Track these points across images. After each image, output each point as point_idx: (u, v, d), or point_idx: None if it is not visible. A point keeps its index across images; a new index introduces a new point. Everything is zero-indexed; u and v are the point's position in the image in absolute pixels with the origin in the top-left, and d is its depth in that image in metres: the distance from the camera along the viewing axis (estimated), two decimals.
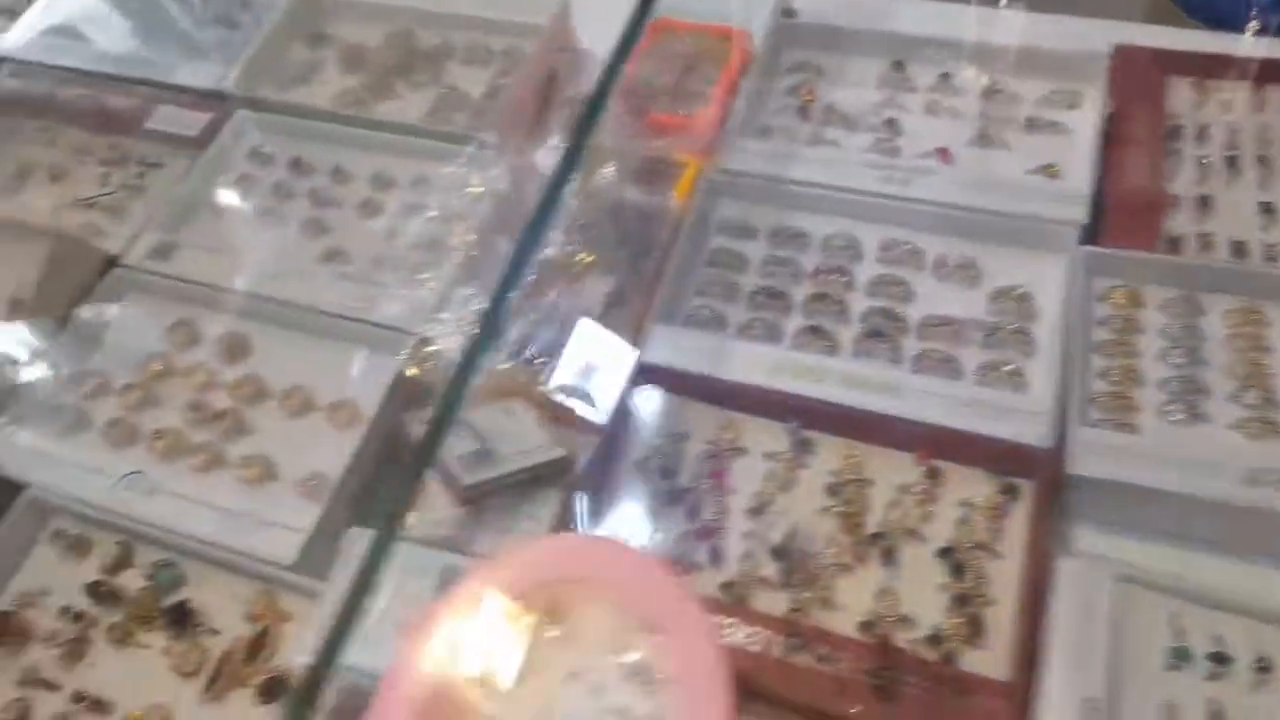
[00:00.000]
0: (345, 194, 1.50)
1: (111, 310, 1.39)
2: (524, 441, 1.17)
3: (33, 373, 1.31)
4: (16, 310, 1.34)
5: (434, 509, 1.14)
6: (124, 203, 1.54)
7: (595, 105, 1.15)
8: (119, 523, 1.19)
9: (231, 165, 1.55)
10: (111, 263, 1.41)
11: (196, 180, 1.51)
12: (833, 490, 1.14)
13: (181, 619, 1.12)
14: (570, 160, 1.11)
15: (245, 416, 1.29)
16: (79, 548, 1.20)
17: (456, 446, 1.15)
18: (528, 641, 0.81)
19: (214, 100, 1.59)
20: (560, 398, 1.23)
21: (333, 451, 1.23)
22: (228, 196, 1.52)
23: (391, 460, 1.24)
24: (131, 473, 1.21)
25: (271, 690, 1.07)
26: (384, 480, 1.23)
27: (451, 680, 0.79)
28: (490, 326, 1.01)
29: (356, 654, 0.89)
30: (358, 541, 1.08)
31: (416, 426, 1.23)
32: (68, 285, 1.36)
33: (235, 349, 1.35)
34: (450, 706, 0.77)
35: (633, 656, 0.76)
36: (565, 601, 0.80)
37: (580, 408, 1.22)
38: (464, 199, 1.43)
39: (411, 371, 1.25)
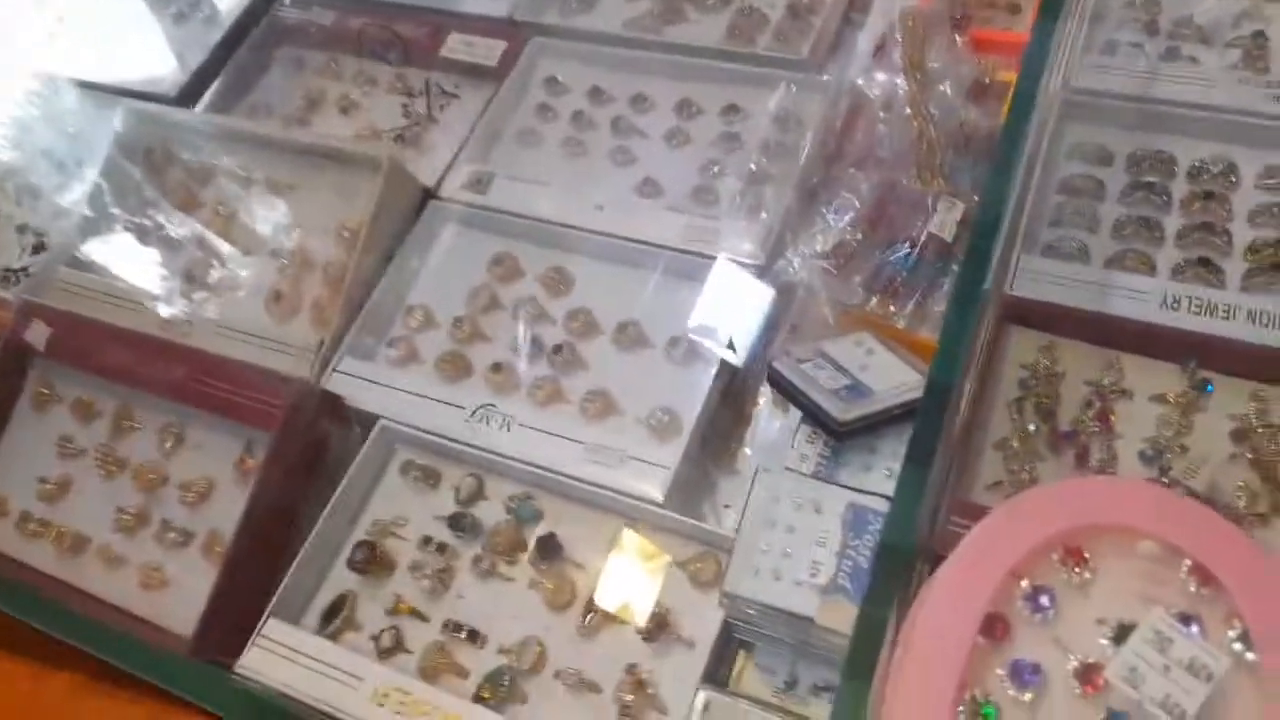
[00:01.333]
0: (649, 123, 1.46)
1: (434, 242, 1.38)
2: (891, 378, 1.12)
3: (369, 304, 1.31)
4: (350, 239, 1.35)
5: (804, 445, 1.10)
6: (421, 134, 1.53)
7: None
8: (470, 454, 1.19)
9: (529, 94, 1.52)
10: (428, 195, 1.39)
11: (498, 110, 1.48)
12: (1239, 436, 1.05)
13: (551, 552, 1.11)
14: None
15: (580, 350, 1.26)
16: (429, 479, 1.20)
17: (825, 382, 1.10)
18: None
19: (503, 27, 1.56)
20: (922, 333, 1.17)
21: (676, 387, 1.20)
22: (531, 126, 1.49)
23: (732, 397, 1.21)
24: (484, 405, 1.20)
25: (656, 628, 1.05)
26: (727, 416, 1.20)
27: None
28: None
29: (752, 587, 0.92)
30: (748, 479, 1.04)
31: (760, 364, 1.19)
32: (395, 217, 1.35)
33: (559, 282, 1.32)
34: None
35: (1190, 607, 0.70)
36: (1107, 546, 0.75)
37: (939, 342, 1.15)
38: (780, 125, 1.37)
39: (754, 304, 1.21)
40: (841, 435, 1.08)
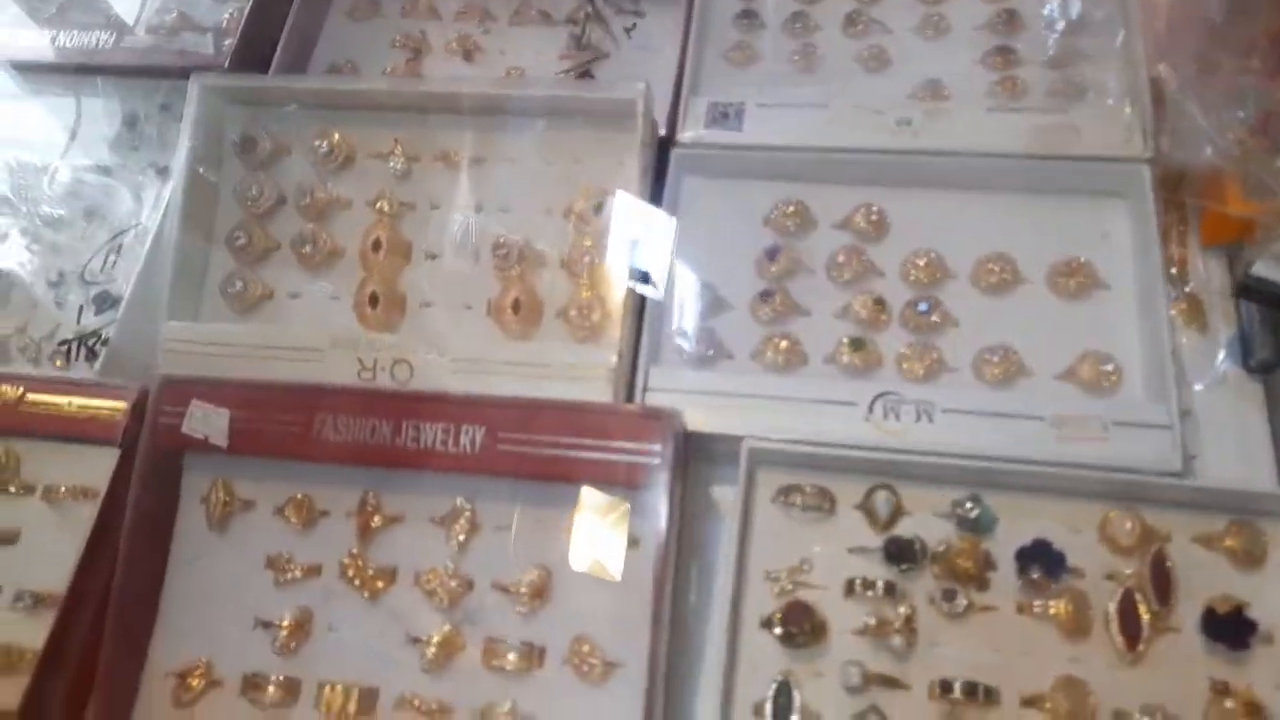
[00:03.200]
0: (886, 12, 1.18)
1: (694, 202, 1.07)
2: None
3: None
4: (584, 218, 1.02)
5: None
6: (604, 68, 1.19)
7: None
8: (861, 462, 0.91)
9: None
10: (664, 143, 1.07)
11: (700, 25, 1.16)
12: None
13: (1051, 564, 0.86)
14: None
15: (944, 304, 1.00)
16: (821, 503, 0.91)
17: None
18: None
19: None
20: None
21: (1096, 327, 0.98)
22: (739, 40, 1.18)
23: None
24: (884, 394, 0.92)
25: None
26: None
27: None
28: None
29: None
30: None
31: None
32: (647, 179, 1.03)
33: (874, 224, 1.04)
34: None
35: None
36: None
37: None
38: None
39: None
40: None
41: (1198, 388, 0.97)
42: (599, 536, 0.89)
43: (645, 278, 1.00)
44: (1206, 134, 0.99)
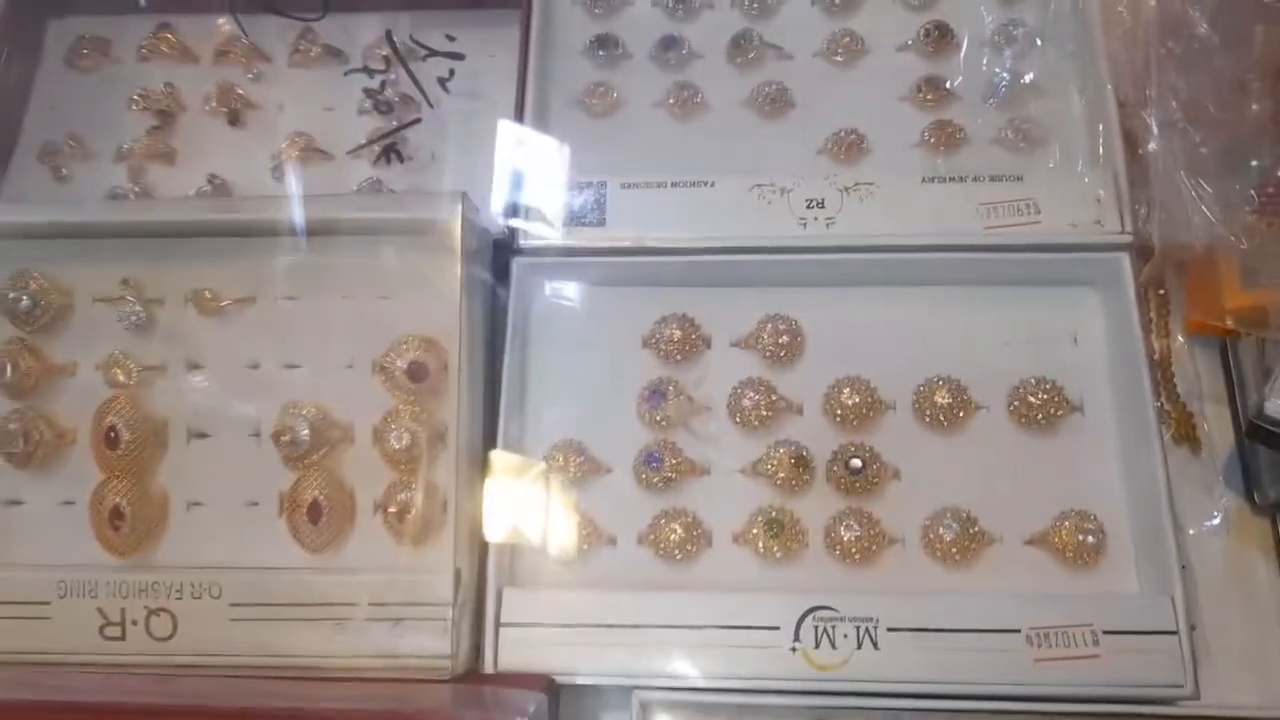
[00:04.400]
0: (778, 32, 0.91)
1: (548, 326, 0.81)
2: None
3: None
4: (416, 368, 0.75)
5: None
6: (415, 137, 0.90)
7: None
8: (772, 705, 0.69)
9: (561, 25, 0.92)
10: (501, 249, 0.80)
11: (539, 62, 0.88)
12: None
13: None
14: None
15: (879, 450, 0.77)
16: None
17: None
18: None
19: None
20: None
21: (1076, 472, 0.75)
22: (594, 79, 0.90)
23: None
24: (813, 610, 0.69)
25: None
26: None
27: None
28: None
29: None
30: None
31: None
32: (483, 304, 0.76)
33: (782, 342, 0.80)
34: None
35: None
36: None
37: None
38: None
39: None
40: None
41: (1193, 532, 0.77)
42: None
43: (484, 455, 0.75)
44: (1197, 207, 0.76)
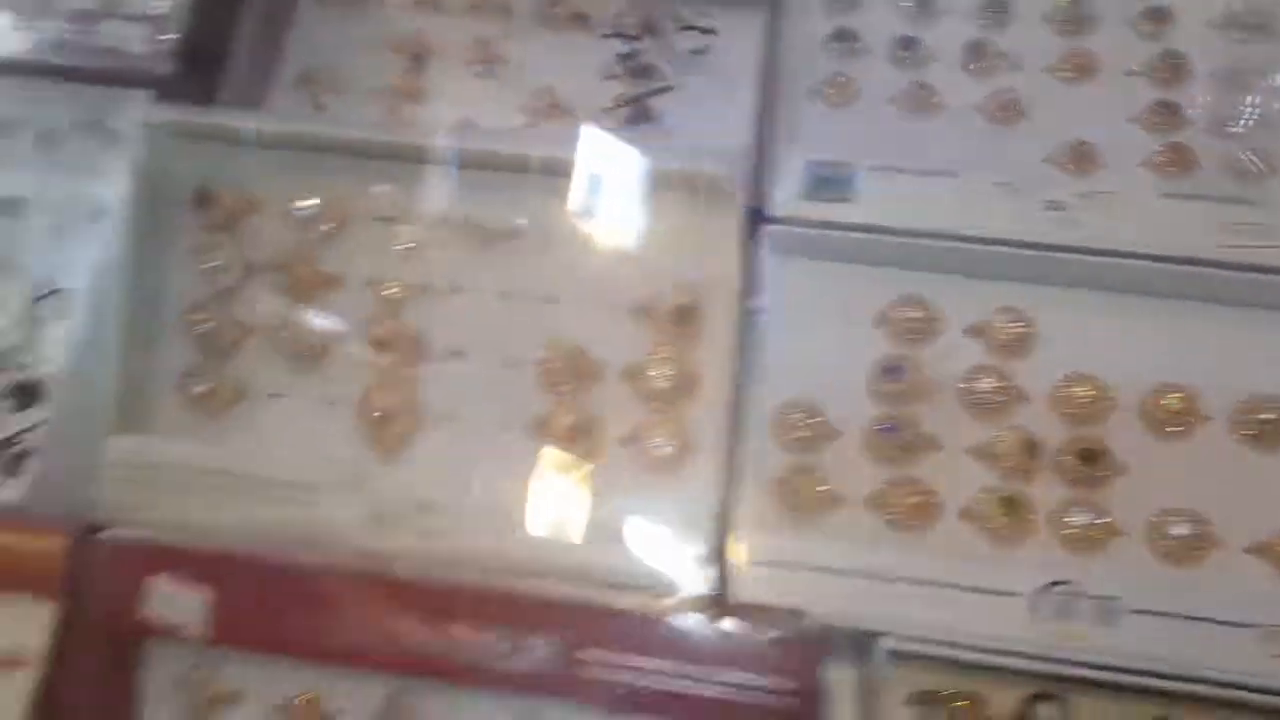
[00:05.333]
0: (1015, 40, 0.95)
1: (789, 295, 0.84)
2: None
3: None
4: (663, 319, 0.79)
5: None
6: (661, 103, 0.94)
7: None
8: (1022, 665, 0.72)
9: (808, 19, 0.96)
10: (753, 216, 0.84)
11: (787, 48, 0.92)
12: None
13: None
14: None
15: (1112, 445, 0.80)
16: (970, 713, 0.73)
17: None
18: None
19: None
20: None
21: None
22: (833, 70, 0.94)
23: None
24: (1054, 584, 0.72)
25: None
26: None
27: None
28: None
29: None
30: None
31: None
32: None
33: (1014, 334, 0.83)
34: None
35: None
36: None
37: None
38: None
39: None
40: None
41: None
42: None
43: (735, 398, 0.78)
44: None
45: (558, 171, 0.82)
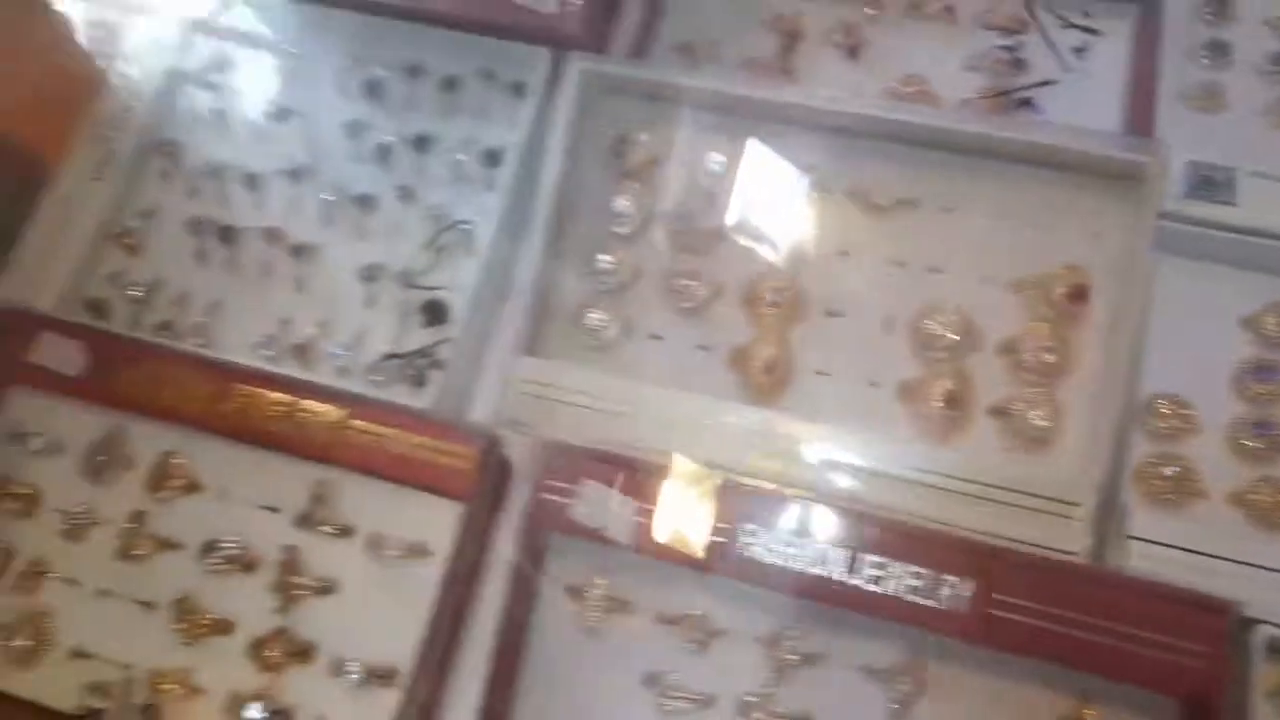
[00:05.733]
0: None
1: (1161, 289, 0.87)
2: None
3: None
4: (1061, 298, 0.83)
5: None
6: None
7: None
8: None
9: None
10: None
11: (1169, 50, 0.95)
12: None
13: None
14: None
15: None
16: None
17: None
18: None
19: None
20: None
21: None
22: (1200, 77, 0.96)
23: None
24: None
25: None
26: None
27: None
28: None
29: None
30: None
31: None
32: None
33: None
34: None
35: None
36: None
37: None
38: None
39: None
40: None
41: None
42: None
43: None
44: None
45: (955, 147, 0.87)
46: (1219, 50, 0.98)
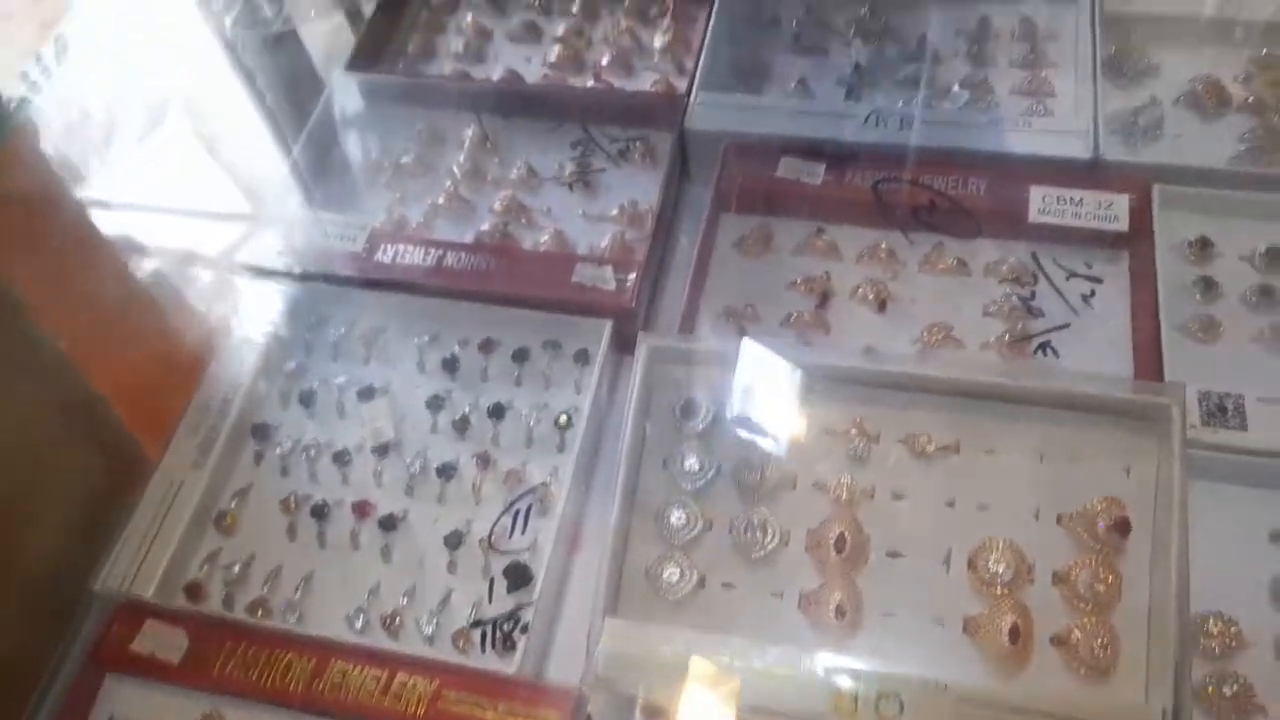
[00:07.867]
0: None
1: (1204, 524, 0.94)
2: None
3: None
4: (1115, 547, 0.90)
5: None
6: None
7: None
8: None
9: (1169, 266, 1.10)
10: None
11: (1166, 294, 1.05)
12: None
13: None
14: None
15: None
16: None
17: None
18: None
19: (1086, 174, 1.14)
20: None
21: None
22: (1198, 313, 1.07)
23: None
24: None
25: None
26: None
27: None
28: None
29: None
30: None
31: None
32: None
33: None
34: None
35: None
36: None
37: None
38: None
39: None
40: None
41: None
42: None
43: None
44: None
45: (988, 394, 0.96)
46: (1208, 286, 1.09)
